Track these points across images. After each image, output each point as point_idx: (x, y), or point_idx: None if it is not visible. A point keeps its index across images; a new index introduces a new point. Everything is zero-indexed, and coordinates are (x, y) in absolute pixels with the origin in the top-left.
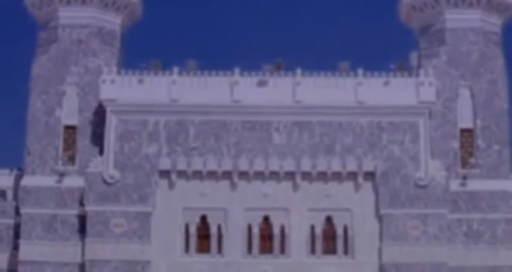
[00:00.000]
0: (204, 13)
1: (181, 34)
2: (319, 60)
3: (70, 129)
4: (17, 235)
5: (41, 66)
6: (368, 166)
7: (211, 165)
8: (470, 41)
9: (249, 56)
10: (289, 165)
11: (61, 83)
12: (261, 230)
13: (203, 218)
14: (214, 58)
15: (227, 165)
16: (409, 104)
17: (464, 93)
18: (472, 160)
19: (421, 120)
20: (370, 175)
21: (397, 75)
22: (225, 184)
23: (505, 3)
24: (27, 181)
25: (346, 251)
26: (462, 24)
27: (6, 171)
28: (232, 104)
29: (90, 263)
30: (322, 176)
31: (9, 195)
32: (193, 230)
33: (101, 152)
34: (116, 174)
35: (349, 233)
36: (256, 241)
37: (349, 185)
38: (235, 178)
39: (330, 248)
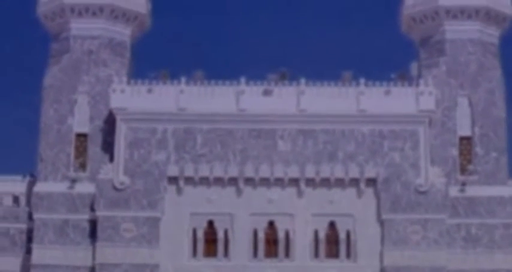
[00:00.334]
0: (211, 25)
1: (189, 45)
2: (322, 70)
3: (81, 137)
4: (29, 239)
5: (53, 76)
6: (370, 172)
7: (218, 172)
8: (469, 51)
9: (255, 66)
10: (293, 172)
11: (73, 92)
12: (267, 234)
13: (210, 223)
14: (221, 68)
15: (233, 172)
16: (410, 113)
17: (463, 102)
18: (471, 167)
19: (421, 128)
20: (371, 182)
21: (397, 85)
22: (231, 190)
23: (503, 15)
24: (39, 187)
25: (348, 255)
26: (461, 36)
27: (20, 178)
28: (238, 113)
29: (101, 267)
30: (326, 182)
31: (23, 200)
32: (200, 234)
33: (111, 159)
34: (126, 180)
35: (352, 237)
36: (261, 245)
37: (351, 191)
38: (241, 184)
39: (333, 252)
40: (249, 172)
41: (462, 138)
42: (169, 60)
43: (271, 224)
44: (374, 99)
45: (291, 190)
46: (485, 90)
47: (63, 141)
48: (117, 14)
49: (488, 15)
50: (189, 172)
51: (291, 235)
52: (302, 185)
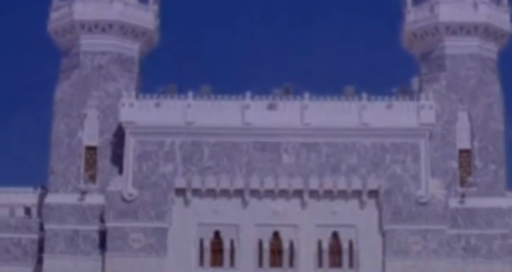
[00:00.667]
0: (217, 41)
1: (196, 60)
2: (325, 85)
3: (91, 150)
4: (41, 249)
5: (63, 90)
6: (372, 184)
7: (224, 184)
8: (468, 66)
9: (260, 81)
10: (297, 184)
11: (83, 106)
12: (271, 245)
13: (216, 234)
14: (227, 83)
15: (239, 184)
16: (411, 126)
17: (463, 116)
18: (470, 179)
19: (421, 141)
20: (373, 193)
21: (399, 99)
22: (237, 201)
23: (501, 31)
24: (50, 198)
25: (351, 265)
26: (461, 51)
27: (31, 189)
28: (243, 126)
29: None
30: (329, 194)
31: (34, 211)
32: (207, 244)
33: (120, 171)
34: (135, 192)
35: (354, 247)
36: (266, 255)
37: (354, 202)
38: (247, 196)
39: (336, 262)
40: (255, 184)
41: (462, 151)
42: (177, 75)
43: (276, 234)
44: (376, 113)
45: (295, 202)
46: (484, 105)
47: (74, 153)
48: (126, 30)
49: (487, 32)
50: (196, 184)
51: (295, 246)
52: (306, 196)
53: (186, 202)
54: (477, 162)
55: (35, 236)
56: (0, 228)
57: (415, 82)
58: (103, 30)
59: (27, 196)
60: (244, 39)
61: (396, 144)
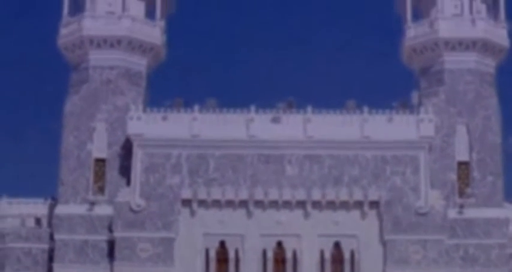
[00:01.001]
0: (223, 56)
1: (202, 75)
2: (328, 99)
3: (100, 162)
4: (51, 259)
5: (73, 104)
6: (373, 195)
7: (229, 195)
8: (466, 81)
9: (264, 95)
10: (300, 195)
11: (91, 120)
12: (275, 254)
13: (222, 244)
14: (232, 97)
15: (244, 195)
16: (411, 139)
17: (461, 129)
18: (469, 190)
19: (421, 154)
20: (374, 204)
21: (399, 113)
22: (242, 212)
23: (499, 46)
24: (60, 209)
25: None
26: (459, 66)
27: (42, 200)
28: (248, 139)
29: None
30: (331, 205)
31: (44, 222)
32: (212, 254)
33: (128, 183)
34: (142, 203)
35: (356, 257)
36: (270, 264)
37: (355, 213)
38: (251, 206)
39: (338, 271)
40: (259, 195)
41: (460, 163)
42: (183, 89)
43: (279, 244)
44: (377, 126)
45: (298, 212)
46: (482, 118)
47: (83, 165)
48: (134, 46)
49: (485, 47)
50: (202, 195)
51: (298, 255)
52: (309, 207)
53: (192, 213)
54: (475, 174)
55: (45, 246)
56: (12, 238)
57: (414, 97)
58: (111, 45)
59: (38, 207)
60: (249, 55)
61: (396, 156)
